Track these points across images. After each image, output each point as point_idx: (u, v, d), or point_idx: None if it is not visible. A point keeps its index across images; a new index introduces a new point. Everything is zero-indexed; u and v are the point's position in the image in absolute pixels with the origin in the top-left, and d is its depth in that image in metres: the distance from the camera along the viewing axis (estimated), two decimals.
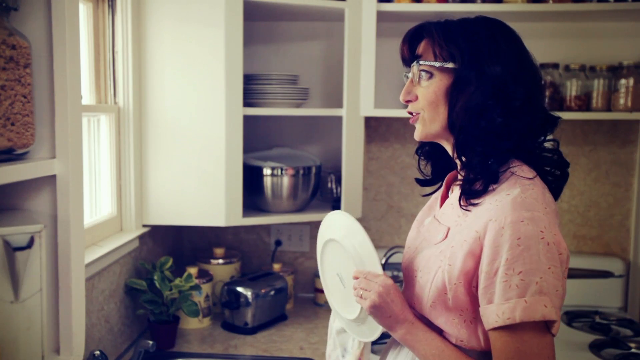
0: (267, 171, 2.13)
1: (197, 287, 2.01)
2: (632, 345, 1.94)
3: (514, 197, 1.03)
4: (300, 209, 2.22)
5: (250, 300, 2.08)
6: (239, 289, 2.10)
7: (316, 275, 2.42)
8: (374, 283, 1.14)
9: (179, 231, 2.49)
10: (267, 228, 2.51)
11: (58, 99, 1.23)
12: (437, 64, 1.11)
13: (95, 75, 1.84)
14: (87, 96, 1.81)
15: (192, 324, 2.13)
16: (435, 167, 1.28)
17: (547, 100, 2.18)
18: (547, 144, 1.15)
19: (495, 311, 0.99)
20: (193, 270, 2.13)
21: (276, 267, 2.36)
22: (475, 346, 1.08)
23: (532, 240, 0.98)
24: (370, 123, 2.44)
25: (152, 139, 1.99)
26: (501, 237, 1.00)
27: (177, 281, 1.94)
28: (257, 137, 2.40)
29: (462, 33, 1.11)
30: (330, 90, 2.38)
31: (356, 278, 1.17)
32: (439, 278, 1.08)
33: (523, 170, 1.09)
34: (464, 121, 1.09)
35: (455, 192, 1.17)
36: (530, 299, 0.97)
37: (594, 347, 1.96)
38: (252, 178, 2.13)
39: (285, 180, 2.14)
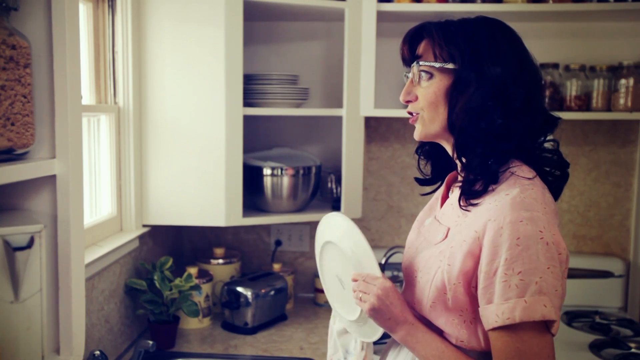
0: (267, 171, 2.13)
1: (197, 287, 2.01)
2: (632, 345, 1.94)
3: (513, 197, 1.03)
4: (300, 209, 2.22)
5: (250, 300, 2.08)
6: (239, 289, 2.10)
7: (316, 275, 2.42)
8: (373, 286, 1.14)
9: (179, 231, 2.49)
10: (267, 228, 2.51)
11: (58, 99, 1.23)
12: (437, 65, 1.12)
13: (95, 75, 1.84)
14: (87, 96, 1.81)
15: (192, 324, 2.13)
16: (435, 167, 1.29)
17: (547, 100, 2.18)
18: (547, 144, 1.15)
19: (495, 311, 0.99)
20: (193, 270, 2.13)
21: (276, 267, 2.36)
22: (475, 346, 1.08)
23: (531, 240, 0.98)
24: (370, 123, 2.44)
25: (152, 139, 1.99)
26: (500, 237, 1.00)
27: (177, 281, 1.95)
28: (257, 137, 2.40)
29: (462, 33, 1.11)
30: (330, 90, 2.38)
31: (355, 280, 1.17)
32: (438, 278, 1.08)
33: (523, 171, 1.09)
34: (464, 122, 1.09)
35: (455, 192, 1.17)
36: (530, 298, 0.97)
37: (594, 347, 1.96)
38: (252, 178, 2.13)
39: (285, 180, 2.14)
